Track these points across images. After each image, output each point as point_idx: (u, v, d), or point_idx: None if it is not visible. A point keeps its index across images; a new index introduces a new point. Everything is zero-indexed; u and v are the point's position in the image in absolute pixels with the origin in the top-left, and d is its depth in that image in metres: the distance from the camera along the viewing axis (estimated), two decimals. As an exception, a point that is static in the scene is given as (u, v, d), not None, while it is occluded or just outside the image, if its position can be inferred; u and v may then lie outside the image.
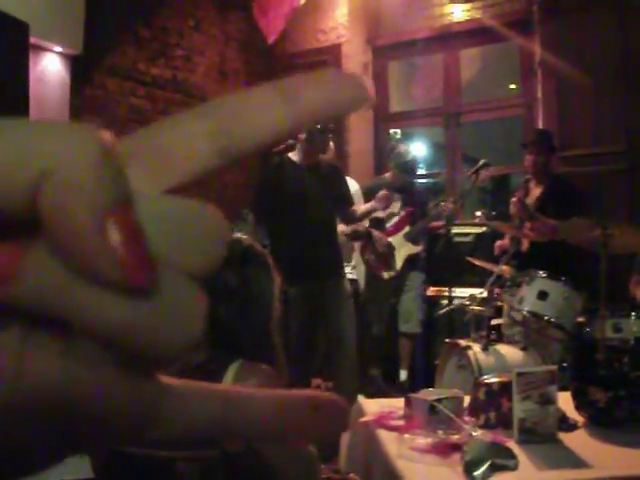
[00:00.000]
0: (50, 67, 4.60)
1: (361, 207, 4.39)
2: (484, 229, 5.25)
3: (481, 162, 4.55)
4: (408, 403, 2.20)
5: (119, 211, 0.19)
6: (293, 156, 3.97)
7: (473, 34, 6.00)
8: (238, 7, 6.27)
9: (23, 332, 0.21)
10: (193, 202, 0.22)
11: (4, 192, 0.19)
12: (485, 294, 3.74)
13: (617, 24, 5.06)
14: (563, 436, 2.10)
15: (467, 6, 5.96)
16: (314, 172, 3.92)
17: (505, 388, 2.17)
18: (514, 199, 4.23)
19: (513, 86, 6.79)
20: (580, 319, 3.50)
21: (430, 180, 7.97)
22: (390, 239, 5.04)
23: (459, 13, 6.02)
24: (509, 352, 3.44)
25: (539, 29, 5.48)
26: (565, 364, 3.18)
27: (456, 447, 1.90)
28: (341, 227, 4.34)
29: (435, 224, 5.13)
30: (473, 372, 3.19)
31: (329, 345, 4.06)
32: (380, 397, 3.22)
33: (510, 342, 3.66)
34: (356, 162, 6.27)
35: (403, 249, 5.09)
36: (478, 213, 5.40)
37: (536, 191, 4.43)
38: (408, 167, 5.19)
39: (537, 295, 3.54)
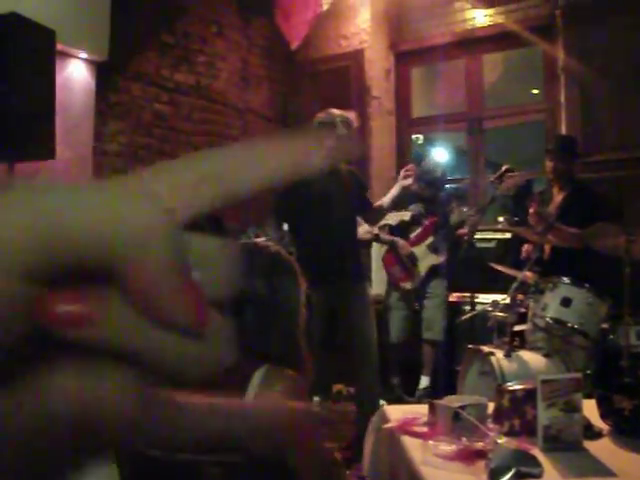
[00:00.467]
0: (75, 73, 4.67)
1: (385, 197, 4.33)
2: (507, 235, 5.22)
3: (503, 168, 4.49)
4: (432, 409, 2.19)
5: (186, 270, 0.24)
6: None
7: (495, 39, 5.99)
8: (261, 13, 6.31)
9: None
10: (215, 240, 0.26)
11: (92, 251, 0.22)
12: (508, 300, 3.72)
13: (640, 29, 5.03)
14: (588, 444, 2.09)
15: (489, 11, 5.95)
16: (334, 176, 3.93)
17: (529, 395, 2.16)
18: (531, 210, 4.17)
19: (536, 91, 6.77)
20: (604, 326, 3.48)
21: (453, 186, 7.93)
22: (413, 249, 5.02)
23: (481, 18, 6.01)
24: (532, 359, 3.41)
25: (562, 34, 5.46)
26: (589, 371, 3.15)
27: (480, 454, 1.89)
28: (361, 232, 4.33)
29: (459, 232, 5.09)
30: (496, 378, 3.16)
31: (351, 350, 4.05)
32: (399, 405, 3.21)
33: (533, 349, 3.62)
34: (378, 167, 6.27)
35: (426, 260, 5.06)
36: (501, 219, 5.37)
37: (558, 197, 4.37)
38: (438, 183, 5.18)
39: (561, 301, 3.52)
